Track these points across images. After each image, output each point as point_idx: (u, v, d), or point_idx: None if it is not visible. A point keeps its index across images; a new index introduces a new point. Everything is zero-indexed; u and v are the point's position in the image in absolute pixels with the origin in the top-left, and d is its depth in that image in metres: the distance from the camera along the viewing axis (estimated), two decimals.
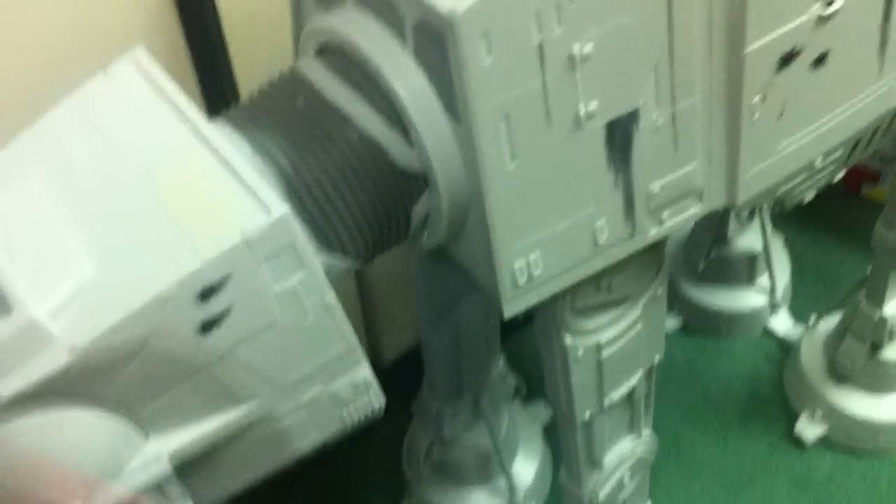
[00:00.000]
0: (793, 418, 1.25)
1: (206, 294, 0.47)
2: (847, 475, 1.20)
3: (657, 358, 0.76)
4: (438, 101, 0.56)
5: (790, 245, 1.42)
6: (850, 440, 1.21)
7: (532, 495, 1.15)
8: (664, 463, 1.21)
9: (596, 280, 0.65)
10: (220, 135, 0.53)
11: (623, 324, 0.70)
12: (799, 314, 1.38)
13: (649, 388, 0.79)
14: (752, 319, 1.37)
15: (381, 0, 0.55)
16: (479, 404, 1.05)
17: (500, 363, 1.06)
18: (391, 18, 0.55)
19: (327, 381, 0.54)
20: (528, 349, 1.27)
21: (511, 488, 1.12)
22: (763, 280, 1.36)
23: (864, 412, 1.19)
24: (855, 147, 0.79)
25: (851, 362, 1.18)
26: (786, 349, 1.35)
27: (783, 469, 1.21)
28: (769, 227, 1.34)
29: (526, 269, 0.59)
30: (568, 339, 0.68)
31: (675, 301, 1.39)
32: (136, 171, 0.51)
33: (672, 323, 1.39)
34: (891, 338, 1.13)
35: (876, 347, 1.16)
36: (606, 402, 0.74)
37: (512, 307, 0.60)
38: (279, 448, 0.55)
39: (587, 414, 0.73)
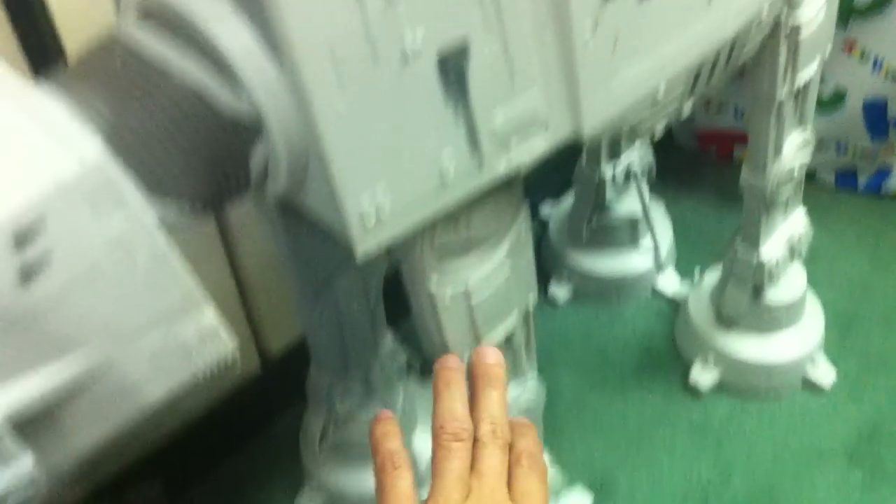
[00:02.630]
0: (687, 370, 1.27)
1: (22, 240, 0.45)
2: (744, 417, 1.23)
3: (531, 299, 0.76)
4: (262, 46, 0.55)
5: (670, 211, 1.46)
6: (743, 383, 1.24)
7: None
8: (566, 423, 1.22)
9: (453, 218, 0.65)
10: (36, 92, 0.51)
11: (489, 265, 0.70)
12: (685, 273, 1.41)
13: (528, 333, 0.80)
14: (639, 282, 1.40)
15: None
16: (369, 381, 1.04)
17: (389, 339, 1.05)
18: None
19: (168, 328, 0.52)
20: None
21: (413, 465, 1.11)
22: (647, 243, 1.39)
23: (753, 355, 1.22)
24: (696, 79, 0.81)
25: (736, 308, 1.21)
26: (675, 307, 1.37)
27: (682, 417, 1.23)
28: (646, 192, 1.37)
29: (373, 208, 0.59)
30: (434, 281, 0.67)
31: (564, 271, 1.41)
32: None
33: (563, 293, 1.41)
34: (770, 279, 1.16)
35: (758, 291, 1.19)
36: (484, 343, 0.73)
37: (364, 247, 0.59)
38: (127, 401, 0.53)
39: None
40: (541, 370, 1.30)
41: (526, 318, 0.78)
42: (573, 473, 1.17)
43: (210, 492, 1.21)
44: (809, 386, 1.25)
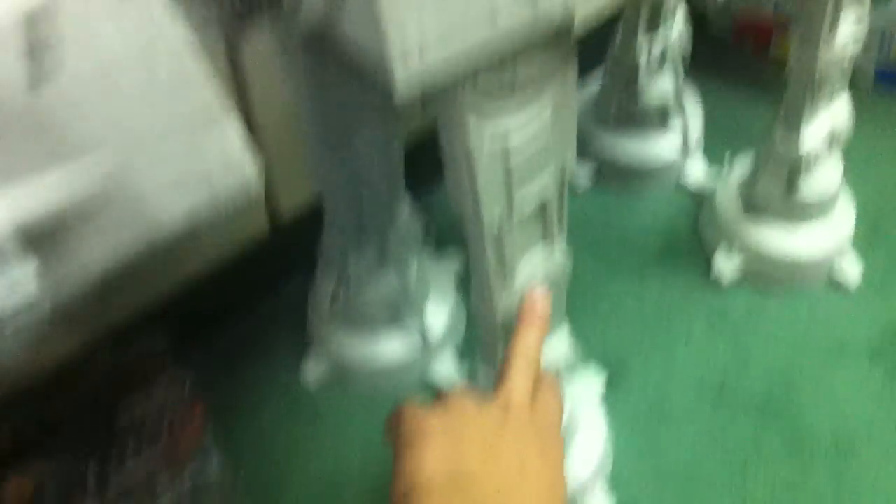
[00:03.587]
0: (709, 261, 1.23)
1: (32, 27, 0.41)
2: (765, 310, 1.19)
3: (570, 157, 0.72)
4: None
5: (702, 101, 1.40)
6: (767, 276, 1.21)
7: (445, 341, 1.12)
8: (581, 308, 1.19)
9: (498, 65, 0.60)
10: None
11: (531, 110, 0.65)
12: (713, 164, 1.36)
13: (562, 195, 0.75)
14: (665, 170, 1.34)
15: None
16: (383, 248, 1.00)
17: (406, 206, 1.01)
18: None
19: (189, 138, 0.48)
20: (439, 204, 1.23)
21: (423, 333, 1.09)
22: (676, 131, 1.33)
23: (780, 247, 1.18)
24: None
25: (767, 198, 1.17)
26: (700, 199, 1.33)
27: (701, 308, 1.20)
28: (682, 74, 1.30)
29: (417, 42, 0.53)
30: (472, 122, 0.62)
31: (588, 154, 1.36)
32: None
33: (585, 177, 1.36)
34: (807, 169, 1.12)
35: (793, 181, 1.14)
36: (517, 207, 0.69)
37: (404, 84, 0.54)
38: (142, 220, 0.49)
39: (497, 223, 0.69)
40: None
41: (561, 177, 0.74)
42: (587, 358, 1.15)
43: (214, 352, 1.19)
44: (834, 282, 1.22)
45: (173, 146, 0.48)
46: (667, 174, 1.35)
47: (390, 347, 1.11)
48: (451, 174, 0.69)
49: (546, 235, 0.77)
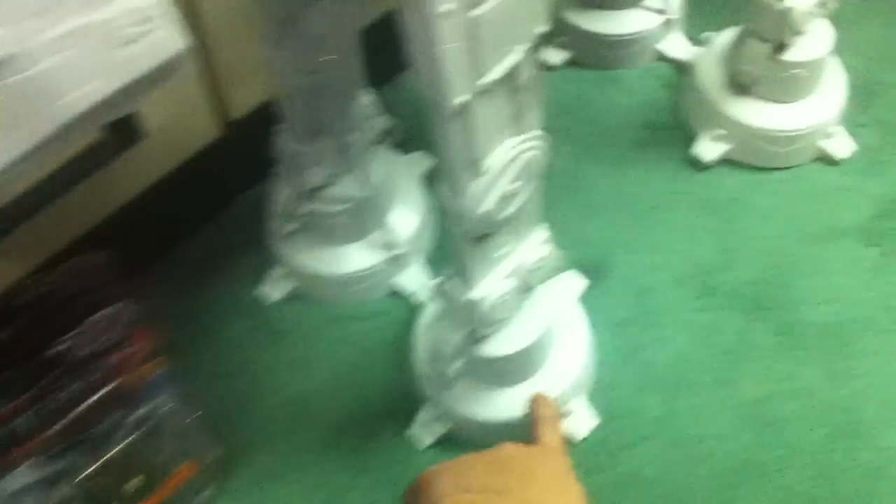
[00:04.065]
0: (692, 143, 1.15)
1: None
2: (752, 193, 1.12)
3: (539, 29, 0.63)
4: None
5: None
6: (754, 155, 1.13)
7: (413, 248, 1.04)
8: (559, 199, 1.11)
9: None
10: None
11: None
12: (694, 37, 1.26)
13: (534, 73, 0.66)
14: (643, 44, 1.24)
15: None
16: (343, 148, 0.91)
17: (367, 100, 0.92)
18: None
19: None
20: (404, 101, 1.13)
21: (388, 241, 1.01)
22: (655, 2, 1.23)
23: (767, 122, 1.10)
24: None
25: (753, 68, 1.08)
26: (681, 75, 1.23)
27: (685, 194, 1.12)
28: None
29: None
30: None
31: (559, 30, 1.25)
32: None
33: (558, 56, 1.26)
34: (795, 32, 1.02)
35: (781, 45, 1.05)
36: (484, 79, 0.60)
37: None
38: (46, 101, 0.40)
39: (461, 97, 0.60)
40: None
41: (532, 53, 0.64)
42: (567, 254, 1.08)
43: (167, 270, 1.10)
44: (825, 158, 1.14)
45: (72, 23, 0.38)
46: (645, 46, 1.25)
47: (354, 257, 1.02)
48: (412, 51, 0.59)
49: (518, 119, 0.68)
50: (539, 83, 0.68)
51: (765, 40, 1.04)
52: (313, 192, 0.96)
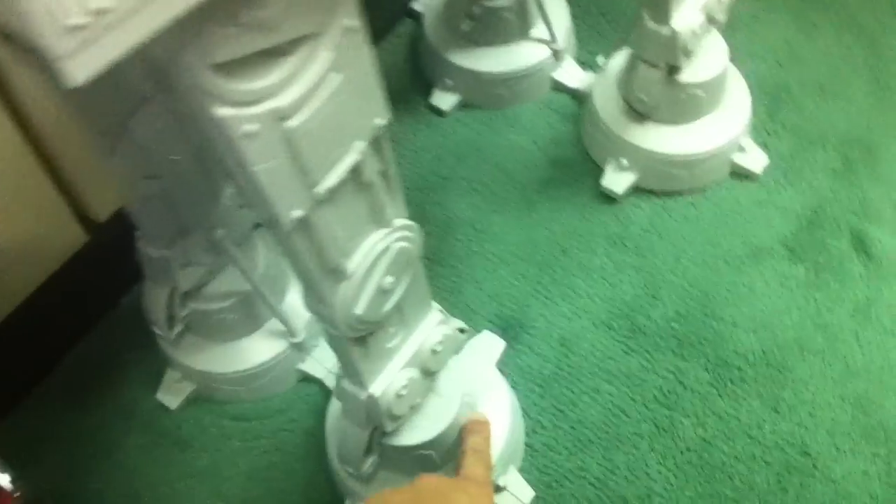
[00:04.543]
0: (600, 176, 1.09)
1: None
2: (667, 221, 1.06)
3: (378, 122, 0.56)
4: None
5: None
6: (663, 182, 1.07)
7: (316, 329, 0.96)
8: (467, 255, 1.05)
9: (231, 15, 0.43)
10: None
11: (310, 77, 0.49)
12: (588, 63, 1.21)
13: (385, 164, 0.59)
14: (536, 77, 1.18)
15: None
16: (214, 245, 0.83)
17: (232, 192, 0.84)
18: None
19: None
20: None
21: (288, 326, 0.93)
22: (539, 30, 1.17)
23: (672, 147, 1.04)
24: None
25: (649, 95, 1.02)
26: (580, 102, 1.18)
27: (597, 232, 1.06)
28: None
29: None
30: (223, 113, 0.46)
31: (447, 73, 1.19)
32: None
33: (449, 100, 1.19)
34: (686, 54, 0.97)
35: (672, 70, 1.00)
36: (319, 188, 0.53)
37: (73, 65, 0.35)
38: None
39: (294, 213, 0.53)
40: (431, 195, 1.11)
41: (377, 144, 0.57)
42: (481, 312, 1.01)
43: (49, 393, 1.01)
44: (739, 175, 1.09)
45: None
46: (538, 79, 1.18)
47: (251, 351, 0.95)
48: (223, 163, 0.52)
49: (378, 213, 0.62)
50: (393, 171, 0.61)
51: (655, 65, 0.98)
52: (190, 294, 0.88)
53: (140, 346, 1.00)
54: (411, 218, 0.65)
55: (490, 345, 0.96)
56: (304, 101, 0.49)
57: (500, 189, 1.11)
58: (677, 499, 0.87)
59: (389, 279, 0.65)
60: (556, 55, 1.17)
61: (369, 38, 0.51)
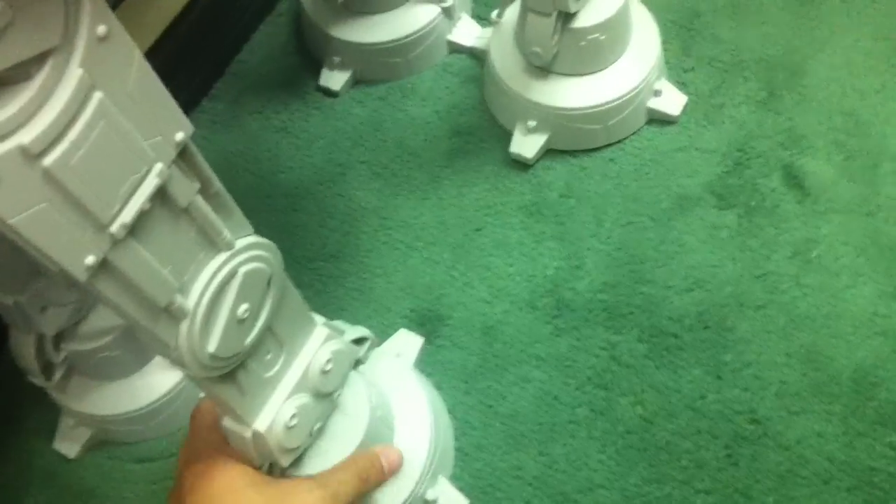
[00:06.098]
0: (509, 140, 1.00)
1: None
2: (584, 181, 0.98)
3: (179, 136, 0.47)
4: None
5: None
6: (575, 138, 0.98)
7: None
8: (373, 247, 0.96)
9: None
10: None
11: (61, 102, 0.40)
12: (486, 18, 1.11)
13: (205, 181, 0.50)
14: (430, 40, 1.08)
15: None
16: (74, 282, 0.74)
17: None
18: None
19: None
20: None
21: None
22: None
23: (580, 99, 0.96)
24: None
25: (543, 46, 0.93)
26: (481, 62, 1.08)
27: (512, 200, 0.97)
28: None
29: None
30: None
31: (333, 50, 1.09)
32: None
33: (339, 79, 1.09)
34: None
35: (565, 17, 0.91)
36: (114, 226, 0.44)
37: None
38: None
39: (87, 260, 0.44)
40: (330, 187, 1.02)
41: (187, 164, 0.49)
42: (394, 309, 0.93)
43: None
44: (658, 122, 1.00)
45: None
46: (433, 44, 1.09)
47: (144, 388, 0.86)
48: None
49: (211, 236, 0.53)
50: (219, 187, 0.52)
51: (547, 14, 0.89)
52: (63, 336, 0.79)
53: (34, 394, 0.91)
54: (311, 215, 0.56)
55: (407, 344, 0.88)
56: (58, 132, 0.40)
57: (403, 169, 1.02)
58: (622, 488, 0.80)
59: (244, 306, 0.56)
60: (448, 12, 1.07)
61: (135, 43, 0.42)
